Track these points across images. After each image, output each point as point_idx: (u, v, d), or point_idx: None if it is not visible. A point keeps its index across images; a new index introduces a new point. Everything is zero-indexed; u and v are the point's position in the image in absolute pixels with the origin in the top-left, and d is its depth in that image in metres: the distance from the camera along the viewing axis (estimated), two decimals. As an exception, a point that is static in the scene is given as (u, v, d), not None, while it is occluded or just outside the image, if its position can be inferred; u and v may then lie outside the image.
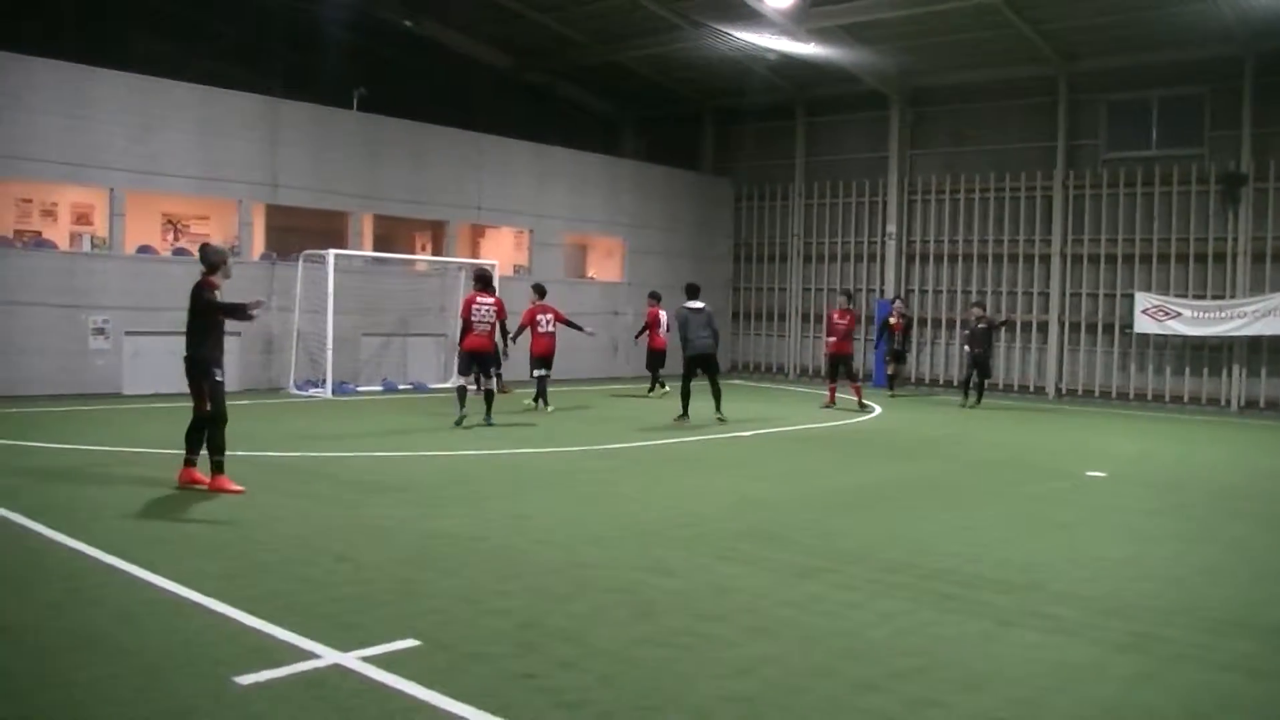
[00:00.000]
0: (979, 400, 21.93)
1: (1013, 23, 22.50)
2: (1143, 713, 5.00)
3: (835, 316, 20.80)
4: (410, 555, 7.58)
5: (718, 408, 16.99)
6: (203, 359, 9.79)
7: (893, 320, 24.06)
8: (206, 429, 9.81)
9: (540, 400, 18.22)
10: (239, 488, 9.67)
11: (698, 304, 17.25)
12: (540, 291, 19.04)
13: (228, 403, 10.00)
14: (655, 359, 22.48)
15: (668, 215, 28.88)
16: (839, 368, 20.81)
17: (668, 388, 21.79)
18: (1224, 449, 16.27)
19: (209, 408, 9.78)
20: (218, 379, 9.83)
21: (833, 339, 20.72)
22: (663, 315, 22.47)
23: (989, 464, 13.57)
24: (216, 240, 21.27)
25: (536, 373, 18.36)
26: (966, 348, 22.51)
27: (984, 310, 23.00)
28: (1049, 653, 5.79)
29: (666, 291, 28.24)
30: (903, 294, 26.79)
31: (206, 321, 9.87)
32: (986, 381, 22.60)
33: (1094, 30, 22.82)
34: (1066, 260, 24.89)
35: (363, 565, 7.25)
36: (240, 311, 9.91)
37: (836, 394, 21.02)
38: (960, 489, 11.44)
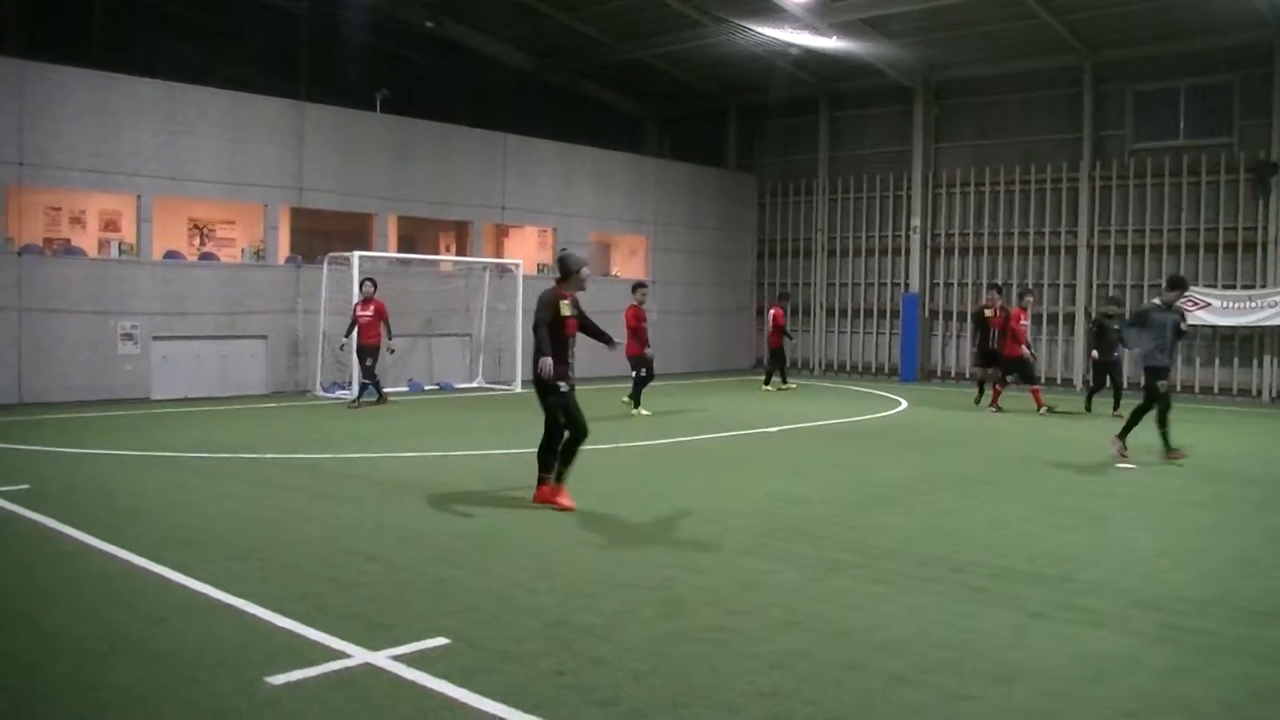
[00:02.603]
0: (1117, 405, 18.46)
1: (1036, 13, 22.37)
2: (1178, 705, 4.96)
3: (1023, 318, 19.17)
4: (440, 554, 7.61)
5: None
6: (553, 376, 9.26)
7: (989, 313, 19.69)
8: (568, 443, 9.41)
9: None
10: (569, 503, 9.27)
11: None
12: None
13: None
14: (777, 356, 23.28)
15: (692, 212, 28.87)
16: (1017, 371, 19.31)
17: (793, 385, 23.41)
18: (1256, 439, 16.11)
19: (559, 420, 9.37)
20: (562, 390, 9.26)
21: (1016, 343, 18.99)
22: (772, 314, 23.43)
23: (1018, 457, 13.48)
24: (247, 245, 21.41)
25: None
26: (1095, 352, 19.07)
27: (1120, 306, 19.76)
28: (1082, 645, 5.75)
29: (689, 288, 28.36)
30: (1002, 286, 22.62)
31: (546, 331, 9.35)
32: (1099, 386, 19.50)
33: (1119, 19, 22.64)
34: (1093, 251, 24.72)
35: (393, 565, 7.27)
36: (553, 352, 9.20)
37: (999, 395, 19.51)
38: (989, 482, 11.38)
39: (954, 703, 4.89)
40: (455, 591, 6.63)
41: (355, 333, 18.13)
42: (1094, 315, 19.97)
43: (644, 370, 17.72)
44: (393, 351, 19.00)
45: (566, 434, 9.42)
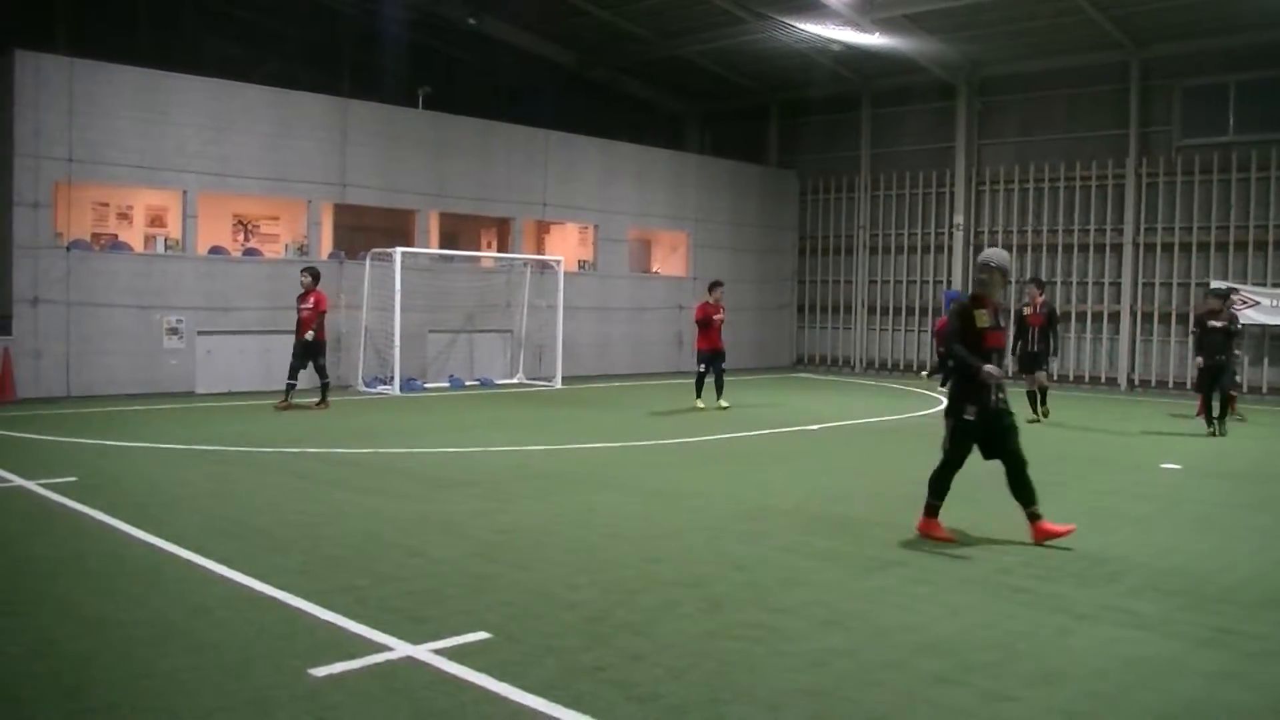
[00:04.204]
0: (1222, 424, 15.77)
1: (1081, 8, 22.13)
2: (1228, 710, 4.88)
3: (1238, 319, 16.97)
4: (480, 549, 7.63)
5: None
6: (952, 396, 8.29)
7: (1027, 311, 17.27)
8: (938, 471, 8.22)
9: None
10: (948, 535, 8.11)
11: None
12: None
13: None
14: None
15: (733, 209, 28.81)
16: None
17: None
18: (1306, 440, 15.84)
19: (960, 451, 8.21)
20: (965, 417, 8.03)
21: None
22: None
23: (1061, 456, 13.34)
24: (291, 241, 21.55)
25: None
26: (1199, 358, 16.15)
27: (1224, 302, 16.35)
28: (1127, 647, 5.68)
29: (730, 284, 28.26)
30: (1045, 281, 20.03)
31: (962, 350, 8.14)
32: (1218, 398, 15.99)
33: (1166, 13, 22.36)
34: (1139, 249, 24.43)
35: (433, 559, 7.31)
36: (977, 371, 7.94)
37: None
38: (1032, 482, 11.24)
39: (995, 704, 4.85)
40: (495, 586, 6.65)
41: (297, 328, 16.81)
42: (1205, 317, 16.30)
43: (705, 366, 18.08)
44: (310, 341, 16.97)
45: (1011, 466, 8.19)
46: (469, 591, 6.52)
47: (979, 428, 8.09)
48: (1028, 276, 24.60)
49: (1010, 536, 8.38)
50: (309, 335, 16.63)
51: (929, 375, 16.23)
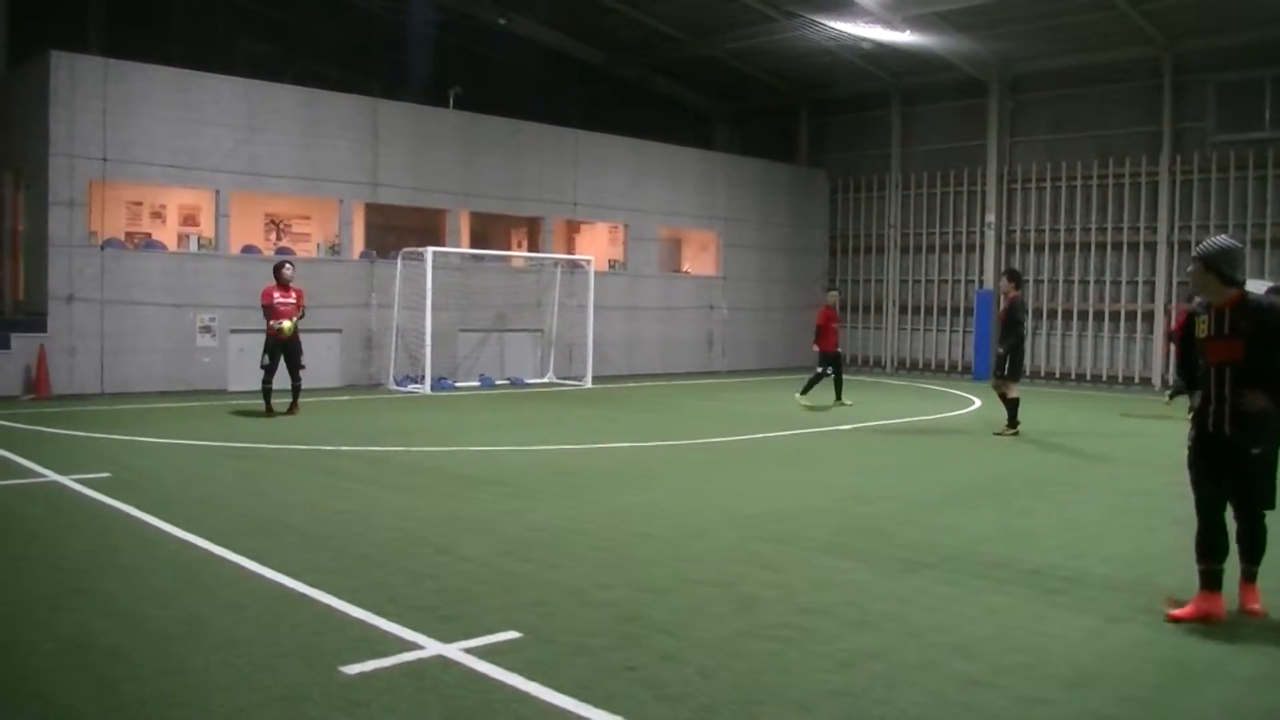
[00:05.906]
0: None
1: (1113, 3, 21.95)
2: (1266, 714, 4.83)
3: None
4: (511, 548, 7.64)
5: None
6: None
7: (1003, 307, 15.71)
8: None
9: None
10: (1258, 607, 6.33)
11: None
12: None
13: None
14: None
15: (763, 208, 28.73)
16: None
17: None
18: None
19: (1198, 493, 6.35)
20: (1188, 443, 6.42)
21: None
22: None
23: (1094, 457, 13.23)
24: (323, 240, 21.63)
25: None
26: None
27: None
28: (1161, 650, 5.61)
29: (761, 284, 28.18)
30: (1017, 272, 16.12)
31: (1179, 359, 6.87)
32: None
33: (1199, 8, 22.14)
34: (1174, 248, 24.19)
35: (464, 558, 7.32)
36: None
37: None
38: (1065, 483, 11.18)
39: (1029, 707, 4.81)
40: (526, 585, 6.66)
41: (268, 324, 15.26)
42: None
43: (830, 368, 18.72)
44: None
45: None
46: (500, 590, 6.53)
47: (1199, 456, 6.34)
48: (1047, 274, 24.43)
49: (1030, 540, 8.32)
50: (285, 322, 15.06)
51: (1170, 399, 12.84)
